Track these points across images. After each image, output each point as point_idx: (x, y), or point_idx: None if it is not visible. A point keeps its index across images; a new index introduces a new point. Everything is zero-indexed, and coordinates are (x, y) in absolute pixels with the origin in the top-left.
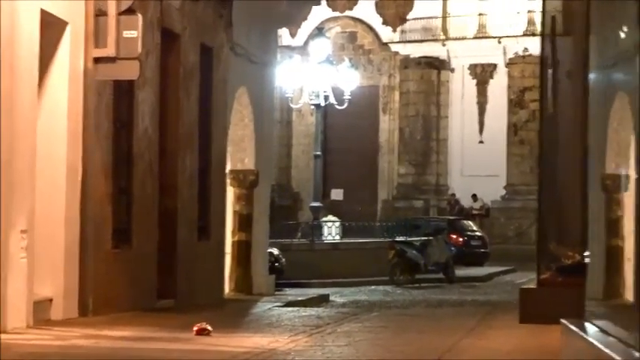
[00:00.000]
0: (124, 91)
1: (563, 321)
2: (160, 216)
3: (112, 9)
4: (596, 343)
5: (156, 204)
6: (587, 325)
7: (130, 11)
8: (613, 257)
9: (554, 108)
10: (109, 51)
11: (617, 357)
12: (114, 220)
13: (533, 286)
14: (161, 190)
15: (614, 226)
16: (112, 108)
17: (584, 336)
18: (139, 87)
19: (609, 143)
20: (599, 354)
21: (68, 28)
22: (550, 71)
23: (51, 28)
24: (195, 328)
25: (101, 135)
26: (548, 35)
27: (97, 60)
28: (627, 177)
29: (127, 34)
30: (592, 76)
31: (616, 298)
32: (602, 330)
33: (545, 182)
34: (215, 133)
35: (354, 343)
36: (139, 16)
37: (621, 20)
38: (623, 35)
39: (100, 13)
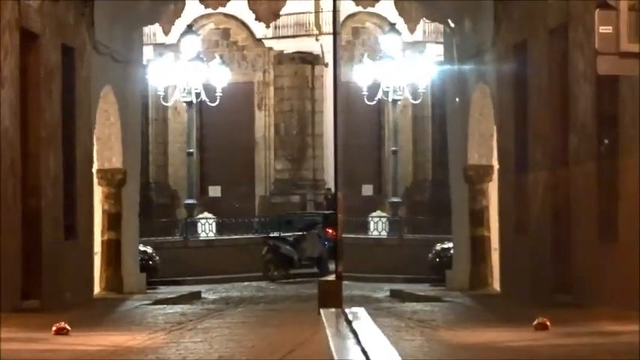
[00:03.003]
0: None
1: (321, 310)
2: (23, 216)
3: None
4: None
5: (19, 204)
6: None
7: None
8: (478, 247)
9: None
10: None
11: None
12: None
13: (332, 278)
14: (24, 190)
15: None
16: None
17: (325, 322)
18: None
19: (470, 134)
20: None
21: None
22: None
23: None
24: (54, 328)
25: None
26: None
27: None
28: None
29: None
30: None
31: (483, 287)
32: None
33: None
34: (80, 133)
35: (210, 339)
36: None
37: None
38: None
39: None
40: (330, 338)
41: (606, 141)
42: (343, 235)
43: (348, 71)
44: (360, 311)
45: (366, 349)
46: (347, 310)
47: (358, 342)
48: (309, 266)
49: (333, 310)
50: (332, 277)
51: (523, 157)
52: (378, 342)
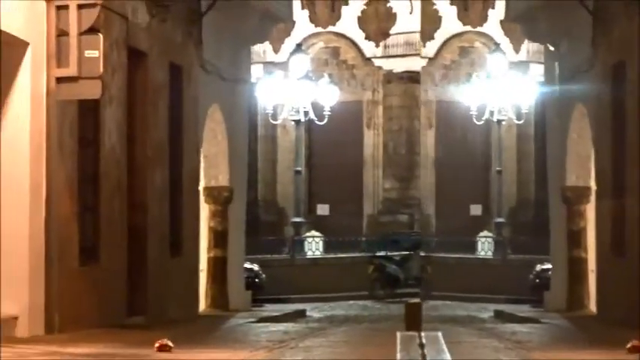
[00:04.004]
0: (89, 110)
1: (398, 332)
2: (129, 233)
3: (73, 29)
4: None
5: (124, 221)
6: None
7: (92, 31)
8: (576, 268)
9: None
10: (71, 71)
11: None
12: (80, 237)
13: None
14: (130, 207)
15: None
16: (77, 126)
17: (398, 345)
18: (105, 105)
19: (569, 155)
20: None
21: (29, 49)
22: None
23: (11, 48)
24: (156, 345)
25: (65, 153)
26: None
27: (59, 80)
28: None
29: (88, 53)
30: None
31: (580, 309)
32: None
33: None
34: (186, 150)
35: (311, 357)
36: (100, 36)
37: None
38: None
39: (62, 33)
40: None
41: None
42: (452, 256)
43: (454, 91)
44: (437, 335)
45: None
46: (423, 334)
47: None
48: (414, 286)
49: (409, 333)
50: (417, 300)
51: (621, 179)
52: None
